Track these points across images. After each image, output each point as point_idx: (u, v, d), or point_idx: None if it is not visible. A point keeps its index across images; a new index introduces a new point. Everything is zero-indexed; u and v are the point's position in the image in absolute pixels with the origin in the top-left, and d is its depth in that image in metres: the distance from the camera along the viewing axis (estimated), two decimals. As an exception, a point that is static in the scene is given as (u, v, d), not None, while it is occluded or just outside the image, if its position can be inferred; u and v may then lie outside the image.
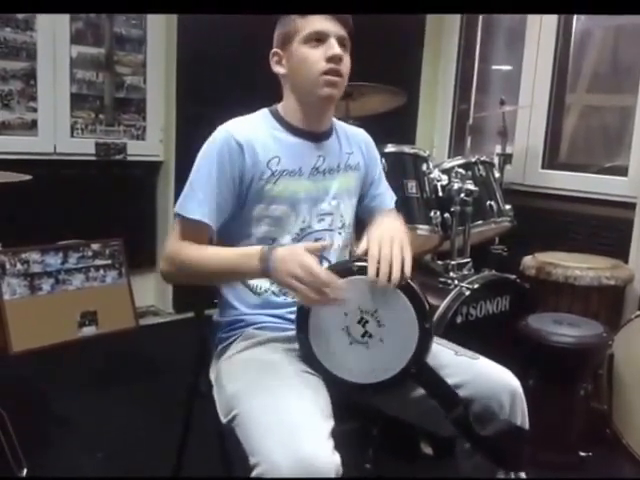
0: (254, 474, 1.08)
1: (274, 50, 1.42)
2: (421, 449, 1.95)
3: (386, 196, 1.61)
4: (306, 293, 1.16)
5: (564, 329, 2.06)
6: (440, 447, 1.82)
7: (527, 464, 1.35)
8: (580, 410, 2.10)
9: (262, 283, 1.39)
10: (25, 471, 1.79)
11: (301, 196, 1.40)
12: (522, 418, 1.32)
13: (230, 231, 1.40)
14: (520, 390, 1.32)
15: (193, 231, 1.34)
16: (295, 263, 1.18)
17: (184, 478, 1.65)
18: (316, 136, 1.44)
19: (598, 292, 2.48)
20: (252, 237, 1.39)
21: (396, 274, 1.20)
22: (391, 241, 1.24)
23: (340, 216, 1.47)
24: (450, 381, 1.27)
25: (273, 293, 1.40)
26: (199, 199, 1.32)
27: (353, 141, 1.54)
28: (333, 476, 1.06)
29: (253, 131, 1.37)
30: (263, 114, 1.44)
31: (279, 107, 1.45)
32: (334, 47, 1.34)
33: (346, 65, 1.38)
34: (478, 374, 1.32)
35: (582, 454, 2.08)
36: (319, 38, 1.34)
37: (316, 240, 1.41)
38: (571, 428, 2.10)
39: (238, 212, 1.38)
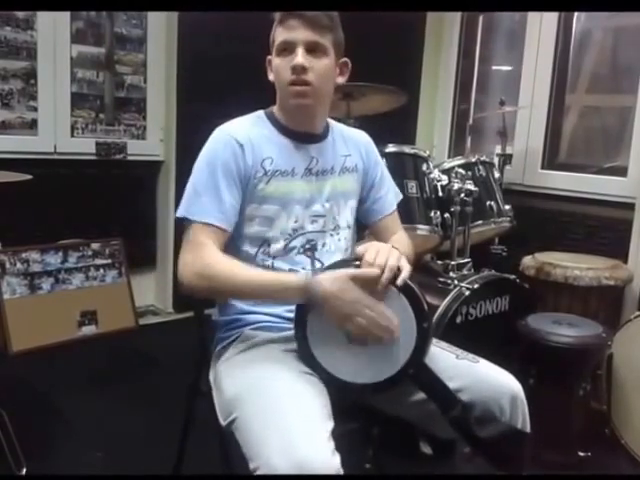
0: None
1: (268, 58, 1.42)
2: (421, 449, 1.95)
3: (387, 199, 1.60)
4: (372, 330, 1.20)
5: (563, 329, 2.06)
6: (440, 448, 1.83)
7: (526, 464, 1.36)
8: (579, 410, 2.11)
9: None
10: (25, 471, 1.79)
11: (293, 197, 1.40)
12: (523, 422, 1.32)
13: None
14: (521, 394, 1.32)
15: (209, 237, 1.31)
16: (351, 300, 1.20)
17: (184, 477, 1.65)
18: (309, 138, 1.45)
19: (597, 292, 2.48)
20: (244, 236, 1.39)
21: (385, 280, 1.20)
22: (389, 252, 1.24)
23: (333, 218, 1.47)
24: (451, 385, 1.27)
25: None
26: (204, 203, 1.32)
27: (351, 143, 1.54)
28: None
29: (250, 132, 1.39)
30: (258, 115, 1.46)
31: (274, 109, 1.46)
32: (296, 57, 1.33)
33: (317, 71, 1.35)
34: (479, 377, 1.32)
35: (581, 454, 2.08)
36: (286, 48, 1.34)
37: (308, 241, 1.42)
38: (570, 428, 2.10)
39: None
